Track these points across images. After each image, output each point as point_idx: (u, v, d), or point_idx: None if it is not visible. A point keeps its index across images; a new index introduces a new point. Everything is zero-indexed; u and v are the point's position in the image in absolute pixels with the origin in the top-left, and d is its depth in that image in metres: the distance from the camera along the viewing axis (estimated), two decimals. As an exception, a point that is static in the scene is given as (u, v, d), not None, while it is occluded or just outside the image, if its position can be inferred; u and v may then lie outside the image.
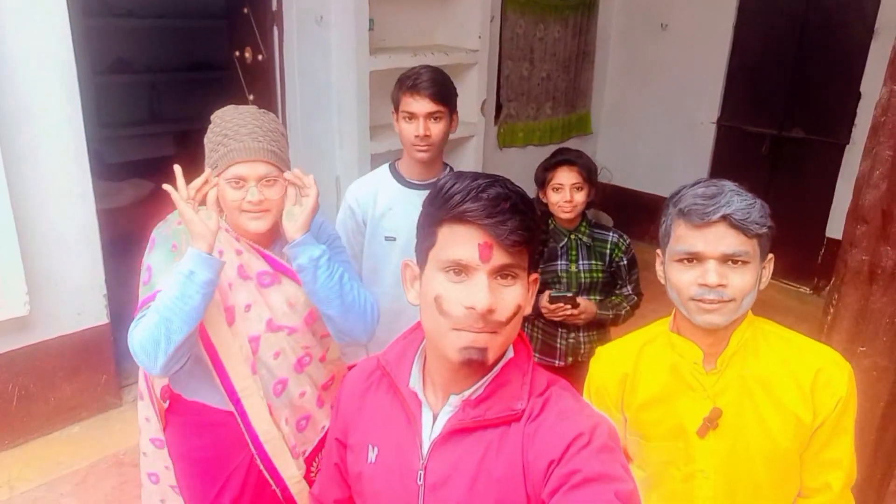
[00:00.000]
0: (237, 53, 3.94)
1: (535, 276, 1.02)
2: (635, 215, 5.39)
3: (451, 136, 4.09)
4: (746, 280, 1.23)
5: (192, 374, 1.60)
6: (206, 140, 1.59)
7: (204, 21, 5.94)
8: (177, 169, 1.50)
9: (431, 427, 1.03)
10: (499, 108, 4.79)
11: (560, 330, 2.37)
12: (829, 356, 1.30)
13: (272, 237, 1.65)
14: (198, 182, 1.52)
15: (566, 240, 2.34)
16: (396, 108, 2.05)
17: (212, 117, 1.59)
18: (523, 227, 0.93)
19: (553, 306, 2.26)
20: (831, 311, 1.94)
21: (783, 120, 4.74)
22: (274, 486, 1.68)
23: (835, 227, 4.49)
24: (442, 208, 0.95)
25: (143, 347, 1.45)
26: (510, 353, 1.03)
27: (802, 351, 1.30)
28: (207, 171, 1.54)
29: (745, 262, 1.22)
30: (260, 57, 3.78)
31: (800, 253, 4.74)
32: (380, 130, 3.78)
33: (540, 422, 0.96)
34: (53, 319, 2.84)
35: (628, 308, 2.37)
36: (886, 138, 1.77)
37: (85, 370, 2.96)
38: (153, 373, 1.50)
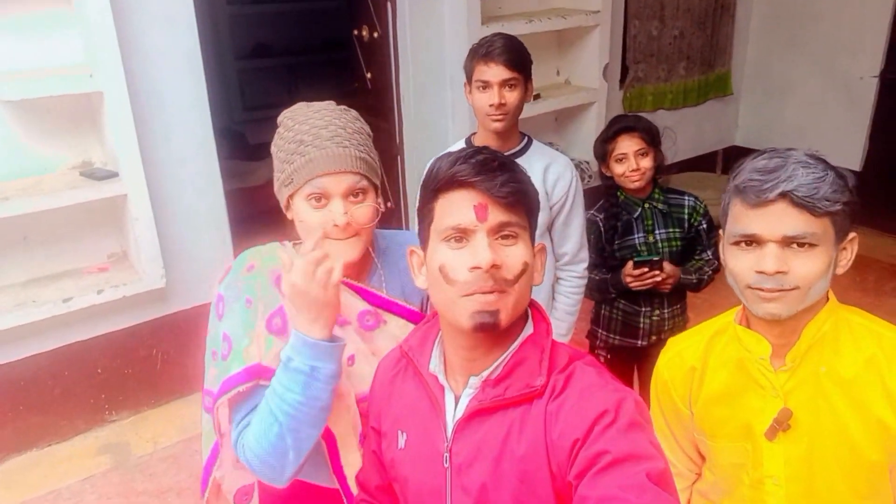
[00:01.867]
0: (356, 32, 4.03)
1: (540, 244, 1.00)
2: None
3: (570, 104, 4.03)
4: (813, 266, 1.06)
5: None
6: (275, 149, 1.29)
7: (332, 2, 6.18)
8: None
9: (454, 410, 1.02)
10: (625, 71, 4.55)
11: (644, 308, 2.27)
12: None
13: (365, 268, 1.35)
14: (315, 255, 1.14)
15: (640, 209, 2.22)
16: (469, 79, 2.00)
17: (280, 119, 1.31)
18: (515, 180, 0.94)
19: (638, 272, 2.15)
20: None
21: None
22: None
23: None
24: (434, 181, 0.97)
25: (265, 462, 1.18)
26: (528, 330, 1.01)
27: (894, 349, 1.11)
28: (318, 236, 1.20)
29: (812, 245, 1.06)
30: (376, 34, 3.83)
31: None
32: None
33: (563, 399, 0.93)
34: (188, 291, 3.10)
35: (710, 273, 2.23)
36: None
37: (218, 337, 3.21)
38: (279, 485, 1.21)
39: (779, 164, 1.07)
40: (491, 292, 0.92)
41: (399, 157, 3.88)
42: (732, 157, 5.34)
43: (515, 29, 3.45)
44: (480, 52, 1.94)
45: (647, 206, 2.23)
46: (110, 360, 3.05)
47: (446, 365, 1.05)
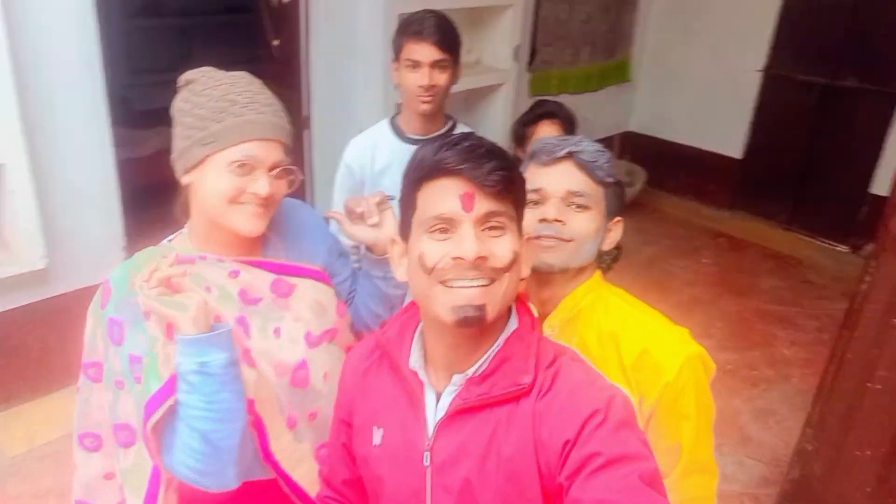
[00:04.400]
0: (262, -5, 3.84)
1: (527, 235, 0.98)
2: (672, 168, 5.23)
3: (480, 84, 4.04)
4: (587, 224, 1.20)
5: None
6: (187, 106, 1.19)
7: (234, -39, 5.84)
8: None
9: (435, 407, 0.99)
10: (533, 53, 4.61)
11: None
12: (663, 338, 1.19)
13: (258, 242, 1.32)
14: (162, 274, 1.11)
15: None
16: (397, 56, 1.93)
17: (189, 77, 1.22)
18: (503, 167, 0.90)
19: None
20: (867, 279, 1.83)
21: (836, 67, 4.46)
22: None
23: (880, 184, 4.27)
24: (417, 170, 0.93)
25: (203, 472, 1.13)
26: (513, 324, 0.98)
27: (635, 328, 1.20)
28: (172, 256, 1.15)
29: (587, 208, 1.20)
30: None
31: (840, 209, 4.57)
32: (405, 78, 3.66)
33: (551, 397, 0.91)
34: (72, 272, 2.81)
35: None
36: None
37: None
38: (230, 487, 1.16)
39: (567, 137, 1.25)
40: (476, 286, 0.88)
41: (307, 130, 3.76)
42: (628, 142, 5.57)
43: (433, 3, 3.40)
44: (411, 30, 1.88)
45: None
46: (-24, 349, 2.75)
47: (426, 360, 1.01)
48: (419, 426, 0.99)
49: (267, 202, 1.20)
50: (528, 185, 1.17)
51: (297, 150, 3.77)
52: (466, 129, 2.09)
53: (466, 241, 0.87)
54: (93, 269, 2.89)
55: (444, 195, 0.90)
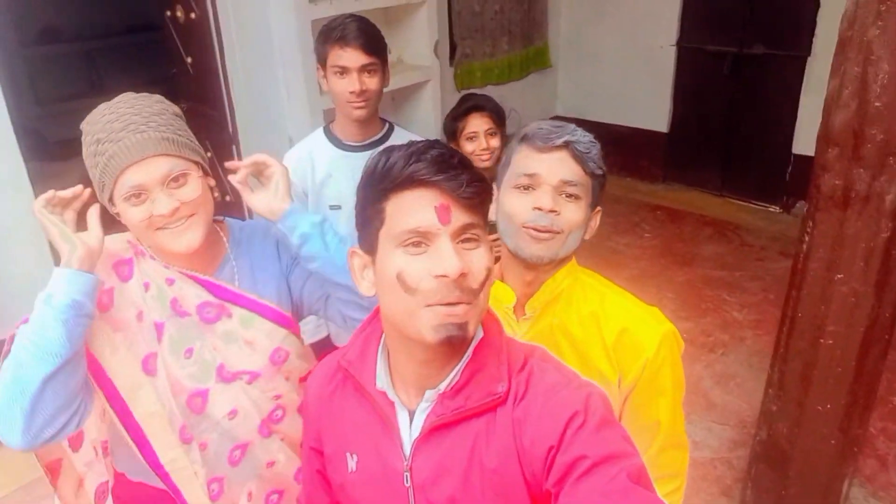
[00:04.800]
0: (168, 13, 3.69)
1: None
2: (603, 148, 5.11)
3: (405, 83, 4.00)
4: (577, 215, 1.20)
5: (122, 447, 1.30)
6: (84, 159, 1.20)
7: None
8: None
9: (409, 426, 0.95)
10: (453, 47, 4.60)
11: None
12: (640, 317, 1.23)
13: (216, 259, 1.31)
14: (65, 194, 1.16)
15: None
16: (323, 64, 1.88)
17: (81, 127, 1.22)
18: (477, 179, 0.87)
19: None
20: (806, 238, 1.88)
21: (743, 36, 4.62)
22: None
23: (801, 144, 4.45)
24: (384, 180, 0.87)
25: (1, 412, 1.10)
26: (479, 332, 0.95)
27: (613, 308, 1.25)
28: (78, 187, 1.19)
29: (577, 198, 1.20)
30: (193, 15, 3.54)
31: (767, 172, 4.72)
32: (329, 84, 3.59)
33: (528, 403, 0.88)
34: (6, 316, 2.64)
35: None
36: (854, 54, 1.67)
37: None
38: (15, 445, 1.12)
39: (561, 124, 1.23)
40: (458, 303, 0.84)
41: (234, 146, 3.64)
42: (556, 126, 5.63)
43: (344, 7, 3.34)
44: (335, 36, 1.83)
45: (494, 184, 2.25)
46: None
47: (393, 377, 0.97)
48: (395, 447, 0.95)
49: (181, 212, 1.17)
50: (521, 169, 1.21)
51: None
52: (404, 133, 2.06)
53: (447, 258, 0.84)
54: (25, 313, 2.73)
55: (418, 207, 0.85)
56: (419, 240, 0.85)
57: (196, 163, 1.21)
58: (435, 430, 0.92)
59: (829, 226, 1.81)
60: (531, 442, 0.86)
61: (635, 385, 1.21)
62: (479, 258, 0.87)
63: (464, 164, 0.87)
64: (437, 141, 0.91)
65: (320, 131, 2.02)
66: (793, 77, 4.45)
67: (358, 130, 1.94)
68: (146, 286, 1.25)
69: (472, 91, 2.68)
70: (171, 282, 1.26)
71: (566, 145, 1.18)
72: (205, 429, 1.29)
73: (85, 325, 1.13)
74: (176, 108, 1.25)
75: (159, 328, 1.25)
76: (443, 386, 0.92)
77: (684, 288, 3.86)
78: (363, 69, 1.84)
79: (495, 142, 2.18)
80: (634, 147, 5.19)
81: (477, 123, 2.17)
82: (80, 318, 1.12)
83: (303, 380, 1.37)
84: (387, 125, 2.03)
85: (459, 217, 0.85)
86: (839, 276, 1.80)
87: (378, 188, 0.88)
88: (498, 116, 2.21)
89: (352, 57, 1.82)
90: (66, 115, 5.84)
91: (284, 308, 1.35)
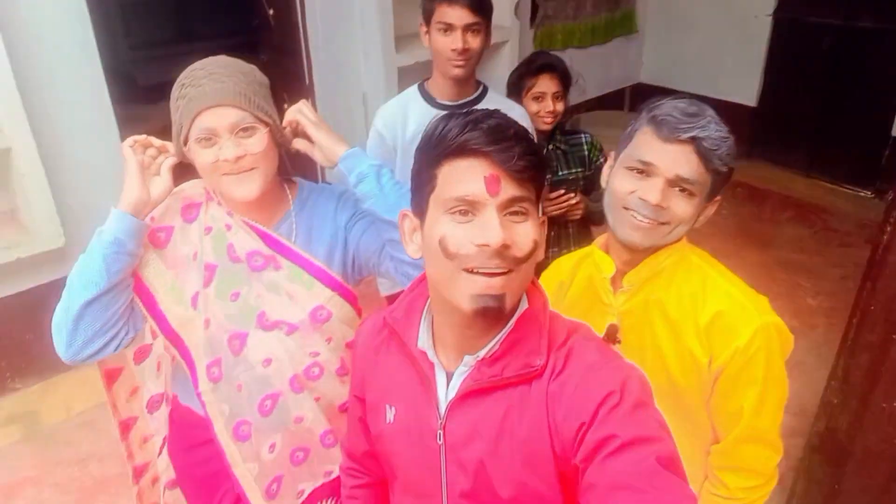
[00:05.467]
0: (255, -36, 3.75)
1: (543, 218, 0.94)
2: None
3: (484, 43, 3.95)
4: (687, 210, 1.16)
5: (180, 371, 1.42)
6: (170, 104, 1.30)
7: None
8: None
9: (447, 387, 0.97)
10: (535, 9, 4.50)
11: (552, 249, 2.25)
12: (740, 303, 1.18)
13: (276, 214, 1.38)
14: (156, 142, 1.30)
15: (545, 151, 2.20)
16: (428, 20, 1.89)
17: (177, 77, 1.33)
18: (530, 152, 0.87)
19: (555, 195, 2.15)
20: (888, 228, 1.78)
21: (850, 8, 4.30)
22: None
23: (902, 126, 4.16)
24: (439, 146, 0.88)
25: (55, 322, 1.27)
26: (524, 304, 0.96)
27: (714, 290, 1.20)
28: (168, 143, 1.31)
29: (692, 194, 1.15)
30: (279, -34, 3.58)
31: (861, 154, 4.45)
32: (406, 41, 3.59)
33: (565, 379, 0.89)
34: None
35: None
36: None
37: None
38: (62, 357, 1.29)
39: (697, 111, 1.14)
40: (496, 275, 0.85)
41: (310, 100, 3.71)
42: (638, 94, 5.46)
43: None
44: None
45: (550, 147, 2.22)
46: (7, 326, 2.80)
47: (435, 339, 0.99)
48: (431, 405, 0.98)
49: (244, 163, 1.24)
50: (638, 153, 1.16)
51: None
52: (498, 97, 2.04)
53: (492, 229, 0.84)
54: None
55: (469, 176, 0.86)
56: (466, 208, 0.86)
57: (266, 123, 1.27)
58: (470, 394, 0.94)
59: (916, 217, 1.71)
60: (564, 416, 0.87)
61: (723, 370, 1.18)
62: (524, 232, 0.87)
63: (519, 136, 0.87)
64: (496, 111, 0.90)
65: (415, 88, 2.03)
66: (900, 54, 4.13)
67: (453, 89, 1.95)
68: (208, 230, 1.33)
69: (542, 50, 2.61)
70: (229, 227, 1.34)
71: (692, 140, 1.12)
72: (241, 371, 1.36)
73: (124, 261, 1.25)
74: (264, 78, 1.32)
75: (210, 269, 1.33)
76: (482, 353, 0.93)
77: (757, 269, 3.71)
78: (468, 28, 1.84)
79: (560, 106, 2.14)
80: (718, 120, 4.98)
81: (547, 84, 2.12)
82: (119, 254, 1.23)
83: (349, 345, 1.40)
84: (481, 87, 2.02)
85: (508, 189, 0.86)
86: (920, 270, 1.70)
87: (433, 153, 0.89)
88: (566, 80, 2.16)
89: (458, 14, 1.82)
90: (155, 60, 6.09)
91: (336, 269, 1.39)
